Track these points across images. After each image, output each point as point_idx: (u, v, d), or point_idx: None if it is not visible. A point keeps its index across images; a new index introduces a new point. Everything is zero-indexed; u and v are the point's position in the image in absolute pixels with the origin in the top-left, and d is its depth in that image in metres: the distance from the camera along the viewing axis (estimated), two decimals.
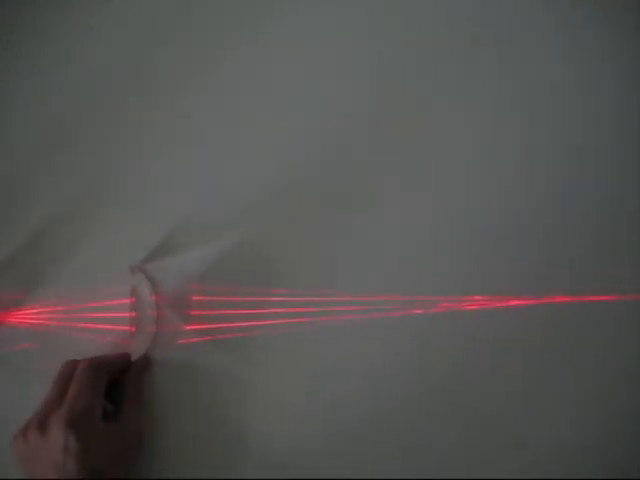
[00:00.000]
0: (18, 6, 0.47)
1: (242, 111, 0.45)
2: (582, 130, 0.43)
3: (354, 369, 0.42)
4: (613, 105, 0.42)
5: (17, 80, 0.47)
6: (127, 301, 0.43)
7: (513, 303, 0.41)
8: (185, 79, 0.45)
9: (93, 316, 0.44)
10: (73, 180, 0.45)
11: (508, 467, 0.40)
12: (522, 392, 0.41)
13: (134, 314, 0.43)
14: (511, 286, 0.41)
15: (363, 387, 0.41)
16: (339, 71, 0.44)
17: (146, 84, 0.46)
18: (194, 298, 0.43)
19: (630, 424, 0.40)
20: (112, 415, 0.40)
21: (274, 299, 0.42)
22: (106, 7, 0.47)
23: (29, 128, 0.47)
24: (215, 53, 0.46)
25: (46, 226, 0.45)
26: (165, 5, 0.46)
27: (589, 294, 0.41)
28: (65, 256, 0.45)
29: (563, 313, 0.41)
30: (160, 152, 0.45)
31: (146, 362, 0.42)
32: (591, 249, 0.41)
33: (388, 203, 0.43)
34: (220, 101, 0.45)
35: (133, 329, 0.43)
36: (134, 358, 0.42)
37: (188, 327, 0.43)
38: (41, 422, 0.36)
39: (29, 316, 0.45)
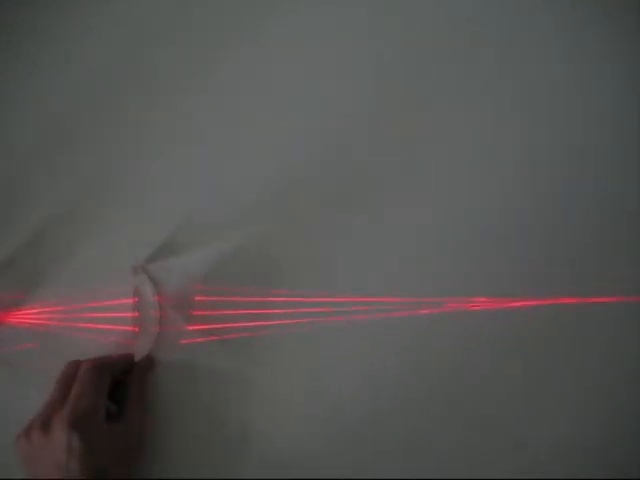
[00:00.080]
0: (18, 6, 0.47)
1: (242, 111, 0.45)
2: (582, 130, 0.43)
3: (354, 369, 0.42)
4: (613, 105, 0.42)
5: (17, 80, 0.47)
6: (127, 301, 0.43)
7: (514, 304, 0.41)
8: (185, 79, 0.45)
9: (93, 316, 0.44)
10: (73, 180, 0.45)
11: (508, 467, 0.40)
12: (522, 392, 0.41)
13: (137, 314, 0.43)
14: (511, 286, 0.41)
15: (363, 387, 0.41)
16: (339, 71, 0.44)
17: (146, 84, 0.46)
18: (197, 298, 0.43)
19: (630, 424, 0.40)
20: (115, 416, 0.40)
21: (275, 299, 0.42)
22: (106, 7, 0.47)
23: (29, 128, 0.47)
24: (215, 53, 0.46)
25: (46, 226, 0.45)
26: (165, 5, 0.46)
27: (590, 295, 0.41)
28: (65, 256, 0.45)
29: (564, 314, 0.41)
30: (160, 152, 0.45)
31: (149, 362, 0.42)
32: (591, 249, 0.41)
33: (388, 203, 0.43)
34: (220, 101, 0.45)
35: (136, 330, 0.43)
36: (137, 359, 0.42)
37: (191, 327, 0.43)
38: (44, 422, 0.36)
39: (29, 316, 0.45)
